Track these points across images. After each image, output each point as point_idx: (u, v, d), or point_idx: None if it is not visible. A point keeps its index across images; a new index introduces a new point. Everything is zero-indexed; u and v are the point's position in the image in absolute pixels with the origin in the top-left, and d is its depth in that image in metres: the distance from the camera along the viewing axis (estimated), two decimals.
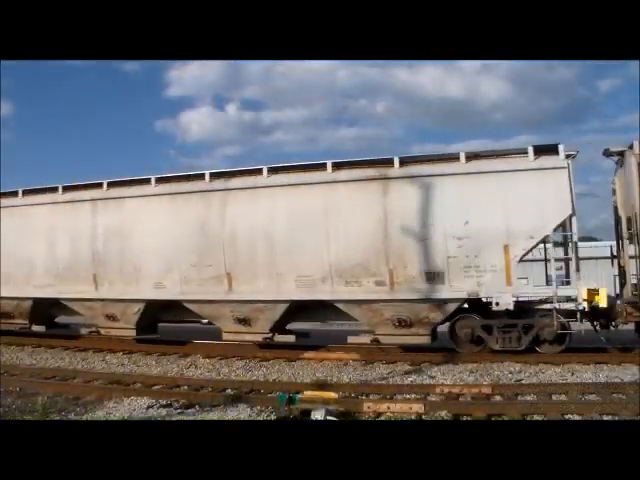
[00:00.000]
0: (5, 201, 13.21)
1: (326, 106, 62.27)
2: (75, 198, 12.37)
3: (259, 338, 10.96)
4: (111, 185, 12.11)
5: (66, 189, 12.54)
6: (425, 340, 10.02)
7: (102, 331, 12.36)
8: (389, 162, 10.02)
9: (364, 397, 7.65)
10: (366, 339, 10.34)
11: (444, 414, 6.57)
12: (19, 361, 11.31)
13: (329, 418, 6.34)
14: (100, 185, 12.15)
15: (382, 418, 6.64)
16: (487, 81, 56.38)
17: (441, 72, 57.18)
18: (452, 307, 9.78)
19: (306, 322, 11.64)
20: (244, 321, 10.89)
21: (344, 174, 10.22)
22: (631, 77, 52.47)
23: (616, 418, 6.20)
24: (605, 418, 6.23)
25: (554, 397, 7.35)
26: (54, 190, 12.69)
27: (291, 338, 10.98)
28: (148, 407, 7.39)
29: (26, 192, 13.08)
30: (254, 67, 56.09)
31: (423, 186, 9.69)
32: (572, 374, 8.61)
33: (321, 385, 7.99)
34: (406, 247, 9.70)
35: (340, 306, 10.22)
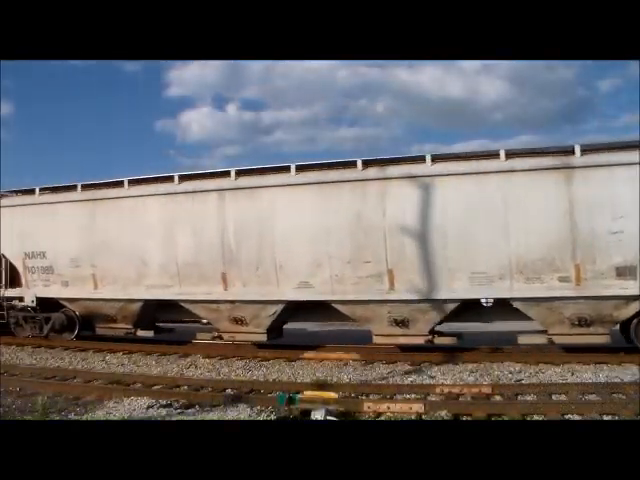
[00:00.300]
0: (108, 192, 11.85)
1: (326, 106, 62.13)
2: (197, 188, 11.01)
3: (419, 340, 10.07)
4: (240, 174, 10.82)
5: (183, 178, 11.21)
6: (604, 340, 9.34)
7: (225, 336, 11.20)
8: (568, 150, 9.32)
9: (364, 397, 7.65)
10: (541, 339, 9.67)
11: (444, 414, 6.57)
12: (19, 361, 11.29)
13: (329, 418, 6.34)
14: (227, 174, 10.88)
15: (382, 418, 6.64)
16: (487, 81, 56.31)
17: (441, 72, 57.09)
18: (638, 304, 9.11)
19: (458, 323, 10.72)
20: (401, 323, 10.02)
21: (521, 163, 9.42)
22: (631, 77, 52.34)
23: (616, 418, 6.20)
24: (605, 418, 6.23)
25: (554, 397, 7.34)
26: (169, 180, 11.32)
27: (452, 340, 10.07)
28: (148, 407, 7.39)
29: (132, 182, 11.66)
30: (254, 67, 55.93)
31: (611, 175, 9.02)
32: (572, 374, 8.60)
33: (321, 385, 7.98)
34: (595, 240, 8.93)
35: (517, 304, 9.47)
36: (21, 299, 12.81)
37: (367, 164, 10.04)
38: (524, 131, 62.67)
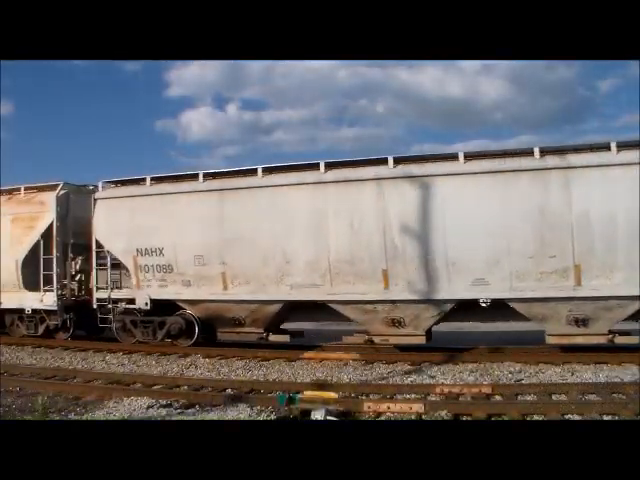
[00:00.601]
0: (239, 181, 10.84)
1: (326, 106, 62.23)
2: (350, 177, 10.10)
3: (600, 340, 9.35)
4: (400, 161, 9.96)
5: (329, 166, 10.26)
6: None
7: (377, 339, 10.25)
8: None
9: (364, 397, 7.64)
10: None
11: (444, 414, 6.56)
12: (19, 361, 11.30)
13: (329, 418, 6.34)
14: (384, 161, 9.96)
15: (382, 418, 6.64)
16: (487, 81, 56.40)
17: (441, 72, 57.17)
18: None
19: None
20: (581, 322, 9.28)
21: None
22: (631, 77, 52.40)
23: (616, 418, 6.20)
24: (605, 418, 6.23)
25: (554, 397, 7.34)
26: (313, 168, 10.37)
27: (634, 339, 9.20)
28: (148, 407, 7.38)
29: (267, 170, 10.67)
30: (254, 67, 56.03)
31: None
32: (572, 374, 8.60)
33: (321, 385, 7.99)
34: None
35: None
36: (131, 301, 11.55)
37: (546, 152, 9.37)
38: (524, 131, 62.77)
